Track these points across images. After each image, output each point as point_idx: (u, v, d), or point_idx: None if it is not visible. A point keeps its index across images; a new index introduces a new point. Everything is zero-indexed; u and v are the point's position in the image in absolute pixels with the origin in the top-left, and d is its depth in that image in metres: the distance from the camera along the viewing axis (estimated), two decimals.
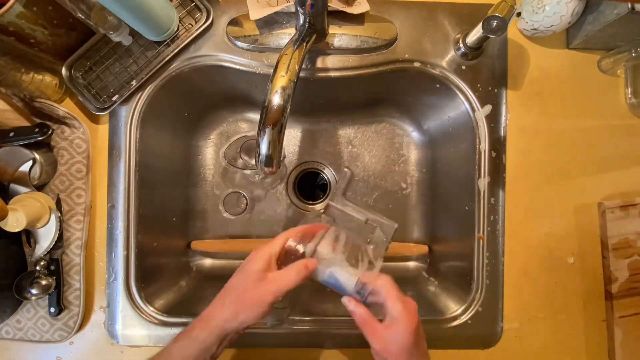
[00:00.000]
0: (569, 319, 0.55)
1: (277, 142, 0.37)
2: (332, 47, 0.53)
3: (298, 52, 0.41)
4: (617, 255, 0.54)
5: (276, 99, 0.37)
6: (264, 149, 0.37)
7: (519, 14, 0.53)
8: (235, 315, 0.36)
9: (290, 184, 0.70)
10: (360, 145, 0.70)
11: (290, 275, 0.38)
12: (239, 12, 0.54)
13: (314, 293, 0.62)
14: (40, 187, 0.53)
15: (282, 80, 0.38)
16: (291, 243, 0.41)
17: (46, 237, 0.51)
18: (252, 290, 0.37)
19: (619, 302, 0.53)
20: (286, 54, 0.40)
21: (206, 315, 0.37)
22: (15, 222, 0.47)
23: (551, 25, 0.50)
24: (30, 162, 0.51)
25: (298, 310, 0.56)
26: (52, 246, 0.52)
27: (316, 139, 0.70)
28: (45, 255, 0.52)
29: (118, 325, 0.53)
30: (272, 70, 0.54)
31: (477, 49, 0.53)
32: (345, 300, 0.40)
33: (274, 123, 0.37)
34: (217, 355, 0.37)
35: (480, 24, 0.46)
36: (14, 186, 0.51)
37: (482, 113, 0.54)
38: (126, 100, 0.53)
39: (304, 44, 0.43)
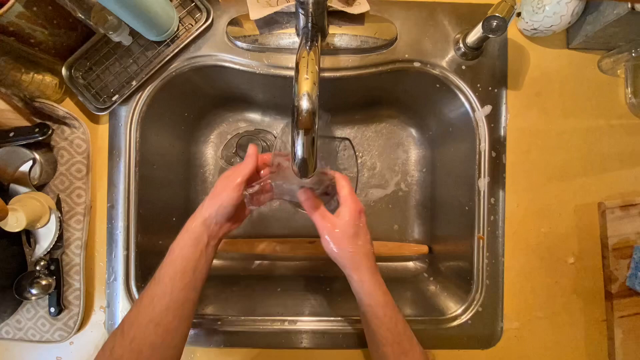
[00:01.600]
0: (569, 319, 0.55)
1: (312, 144, 0.38)
2: (332, 47, 0.53)
3: (313, 53, 0.41)
4: (617, 255, 0.54)
5: (305, 104, 0.37)
6: (299, 152, 0.38)
7: (519, 14, 0.53)
8: (214, 205, 0.44)
9: None
10: (360, 145, 0.70)
11: (247, 161, 0.46)
12: (239, 12, 0.54)
13: (315, 293, 0.62)
14: (40, 187, 0.53)
15: (306, 83, 0.38)
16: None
17: (46, 237, 0.51)
18: (221, 185, 0.45)
19: (619, 302, 0.53)
20: (303, 57, 0.40)
21: (194, 214, 0.45)
22: (15, 222, 0.47)
23: (551, 25, 0.50)
24: (30, 162, 0.51)
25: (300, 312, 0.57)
26: (52, 246, 0.52)
27: None
28: (45, 255, 0.52)
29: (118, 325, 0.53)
30: (272, 70, 0.55)
31: (477, 49, 0.53)
32: (300, 191, 0.46)
33: (307, 128, 0.37)
34: (211, 245, 0.45)
35: (480, 24, 0.46)
36: (14, 186, 0.51)
37: (482, 113, 0.54)
38: (126, 100, 0.53)
39: (316, 43, 0.44)
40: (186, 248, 0.43)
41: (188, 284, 0.42)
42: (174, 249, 0.43)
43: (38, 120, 0.53)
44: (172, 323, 0.40)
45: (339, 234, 0.44)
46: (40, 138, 0.50)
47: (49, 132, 0.51)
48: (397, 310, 0.44)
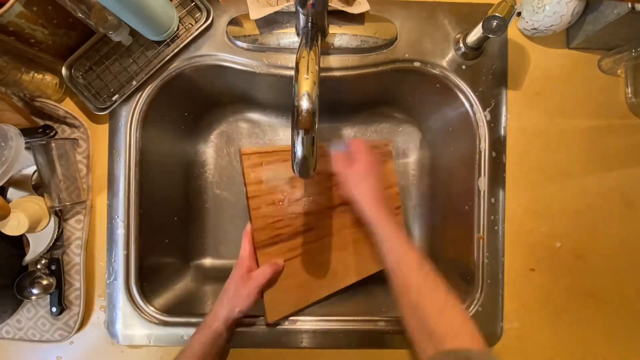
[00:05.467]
0: (569, 319, 0.55)
1: (312, 144, 0.37)
2: (332, 47, 0.53)
3: (313, 53, 0.41)
4: None
5: (305, 103, 0.37)
6: (299, 152, 0.37)
7: (519, 14, 0.53)
8: (233, 309, 0.48)
9: None
10: None
11: (267, 271, 0.49)
12: (239, 12, 0.54)
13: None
14: (40, 187, 0.53)
15: (306, 83, 0.38)
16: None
17: (42, 241, 0.51)
18: (242, 288, 0.48)
19: None
20: (303, 57, 0.40)
21: (214, 311, 0.49)
22: (16, 225, 0.47)
23: (551, 25, 0.50)
24: (33, 167, 0.51)
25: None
26: (47, 249, 0.52)
27: None
28: (46, 254, 0.52)
29: (118, 324, 0.53)
30: (272, 70, 0.55)
31: (477, 49, 0.53)
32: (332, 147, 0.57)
33: (307, 128, 0.37)
34: (227, 339, 0.48)
35: (481, 24, 0.46)
36: (12, 189, 0.51)
37: (482, 113, 0.54)
38: (126, 100, 0.53)
39: (316, 43, 0.44)
40: (207, 344, 0.46)
41: None
42: (194, 343, 0.46)
43: (38, 120, 0.53)
44: None
45: (350, 176, 0.53)
46: (45, 140, 0.50)
47: (53, 134, 0.51)
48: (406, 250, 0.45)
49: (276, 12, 0.52)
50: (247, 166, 0.50)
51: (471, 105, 0.55)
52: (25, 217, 0.47)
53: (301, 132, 0.37)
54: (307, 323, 0.54)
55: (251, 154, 0.50)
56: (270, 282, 0.50)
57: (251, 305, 0.48)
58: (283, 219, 0.53)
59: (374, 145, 0.65)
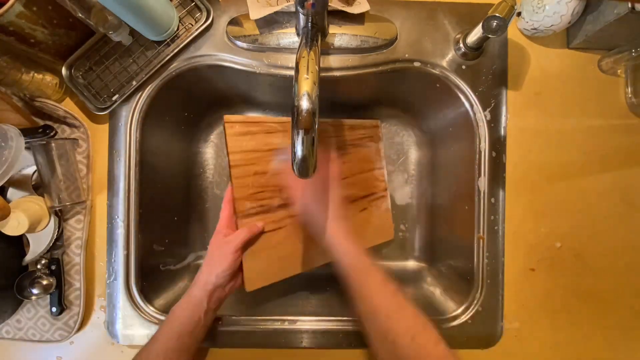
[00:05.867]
0: (569, 319, 0.55)
1: (312, 144, 0.37)
2: (332, 47, 0.53)
3: (313, 53, 0.41)
4: None
5: (305, 103, 0.37)
6: (299, 152, 0.37)
7: (519, 14, 0.53)
8: (209, 273, 0.47)
9: None
10: None
11: (242, 234, 0.49)
12: (239, 12, 0.54)
13: (315, 292, 0.62)
14: (40, 187, 0.53)
15: (306, 83, 0.38)
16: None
17: (43, 240, 0.51)
18: (217, 252, 0.48)
19: None
20: (303, 57, 0.40)
21: (195, 279, 0.48)
22: (16, 225, 0.47)
23: (551, 25, 0.50)
24: (33, 167, 0.51)
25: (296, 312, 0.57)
26: (47, 249, 0.52)
27: None
28: (46, 254, 0.52)
29: (118, 324, 0.53)
30: (272, 70, 0.55)
31: (477, 49, 0.53)
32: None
33: (307, 128, 0.37)
34: (207, 310, 0.46)
35: (481, 24, 0.46)
36: (13, 189, 0.51)
37: (482, 113, 0.54)
38: (126, 100, 0.53)
39: (316, 43, 0.44)
40: (185, 312, 0.46)
41: (182, 346, 0.44)
42: (175, 311, 0.46)
43: (38, 120, 0.53)
44: None
45: (301, 196, 0.51)
46: (45, 140, 0.50)
47: (53, 134, 0.51)
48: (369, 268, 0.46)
49: (276, 12, 0.52)
50: (230, 134, 0.50)
51: (471, 105, 0.55)
52: (25, 217, 0.47)
53: (301, 132, 0.37)
54: (307, 323, 0.54)
55: (235, 122, 0.50)
56: (248, 244, 0.49)
57: (227, 268, 0.47)
58: (266, 190, 0.53)
59: (361, 125, 0.64)
